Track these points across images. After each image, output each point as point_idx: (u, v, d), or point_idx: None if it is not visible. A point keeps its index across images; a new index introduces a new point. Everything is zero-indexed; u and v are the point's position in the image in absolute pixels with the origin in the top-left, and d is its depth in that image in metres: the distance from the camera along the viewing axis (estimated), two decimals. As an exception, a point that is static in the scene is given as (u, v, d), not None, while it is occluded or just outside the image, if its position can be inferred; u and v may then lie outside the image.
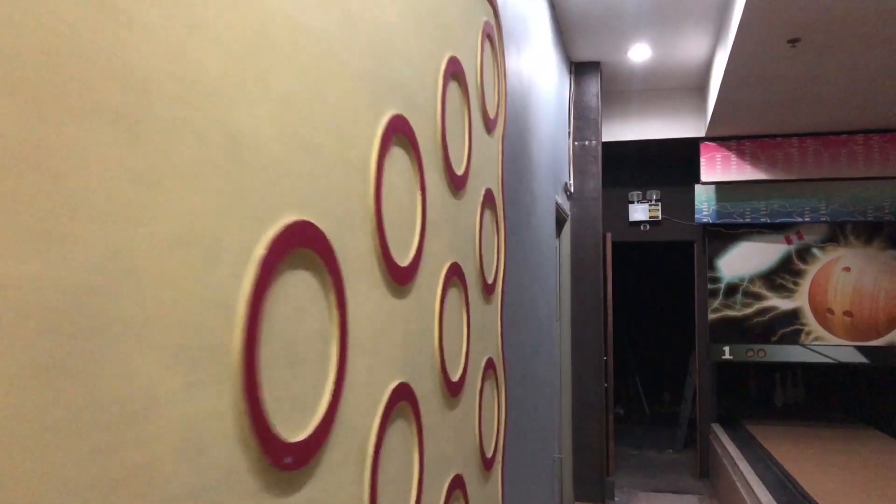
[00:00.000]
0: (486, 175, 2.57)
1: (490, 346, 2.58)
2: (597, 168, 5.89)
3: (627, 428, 9.99)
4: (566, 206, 5.59)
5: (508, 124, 3.10)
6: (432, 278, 1.88)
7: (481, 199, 2.46)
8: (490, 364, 2.55)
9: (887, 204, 6.54)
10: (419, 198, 1.77)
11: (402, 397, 1.59)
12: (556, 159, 4.97)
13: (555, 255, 5.53)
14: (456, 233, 2.13)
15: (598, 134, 5.95)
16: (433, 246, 1.89)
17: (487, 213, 2.56)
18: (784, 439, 6.49)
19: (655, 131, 6.71)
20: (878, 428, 7.09)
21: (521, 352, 3.35)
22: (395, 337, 1.58)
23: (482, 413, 2.38)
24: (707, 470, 7.21)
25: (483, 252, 2.46)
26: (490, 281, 2.58)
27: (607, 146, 6.82)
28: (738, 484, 5.59)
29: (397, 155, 1.63)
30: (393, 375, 1.57)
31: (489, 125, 2.62)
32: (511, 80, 3.21)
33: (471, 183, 2.31)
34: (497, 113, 2.78)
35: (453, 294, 2.09)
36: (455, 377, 2.07)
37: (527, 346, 3.50)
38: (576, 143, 5.88)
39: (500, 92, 2.84)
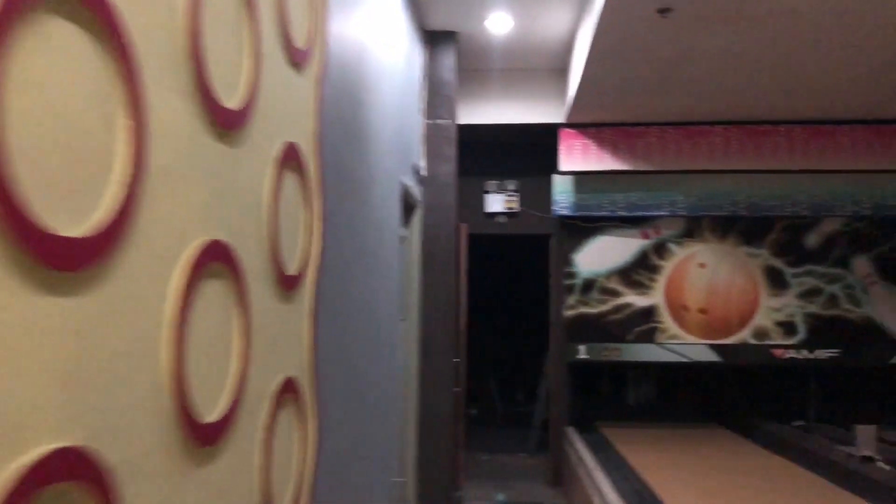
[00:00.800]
0: (288, 124, 1.83)
1: (289, 361, 1.85)
2: (451, 150, 5.29)
3: (480, 430, 9.56)
4: (417, 190, 4.95)
5: (332, 71, 2.38)
6: (158, 262, 1.13)
7: (277, 154, 1.72)
8: (289, 387, 1.82)
9: (741, 198, 6.40)
10: (125, 118, 1.01)
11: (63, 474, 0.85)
12: (404, 136, 4.31)
13: (402, 245, 4.87)
14: (221, 196, 1.39)
15: (454, 113, 5.35)
16: (164, 209, 1.15)
17: (289, 178, 1.82)
18: (638, 442, 6.20)
19: (515, 115, 6.22)
20: (726, 426, 6.99)
21: (349, 364, 2.64)
22: (56, 362, 0.83)
23: (270, 457, 1.65)
24: (560, 477, 6.83)
25: (278, 231, 1.72)
26: (292, 272, 1.85)
27: (464, 130, 6.24)
28: (593, 495, 5.18)
29: (58, 31, 0.87)
30: (44, 435, 0.81)
31: (294, 56, 1.88)
32: (337, 22, 2.48)
33: (255, 126, 1.57)
34: (311, 47, 2.05)
35: (211, 289, 1.34)
36: (212, 416, 1.33)
37: (357, 355, 2.80)
38: (429, 121, 5.24)
39: (316, 22, 2.10)
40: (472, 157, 6.80)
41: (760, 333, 6.52)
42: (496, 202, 6.82)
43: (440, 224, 5.19)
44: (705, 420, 7.39)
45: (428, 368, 5.14)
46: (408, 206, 4.78)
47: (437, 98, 5.25)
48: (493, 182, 6.83)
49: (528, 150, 6.81)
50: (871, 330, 6.47)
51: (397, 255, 4.05)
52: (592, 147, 6.24)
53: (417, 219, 5.11)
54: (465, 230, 5.91)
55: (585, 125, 6.22)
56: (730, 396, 8.27)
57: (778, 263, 6.57)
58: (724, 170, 6.21)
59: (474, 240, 6.94)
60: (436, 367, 5.16)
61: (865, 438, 5.09)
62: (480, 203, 6.84)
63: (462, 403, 5.93)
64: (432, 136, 5.24)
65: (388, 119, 3.77)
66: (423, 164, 5.15)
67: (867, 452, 5.05)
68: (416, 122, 4.93)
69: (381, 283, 3.52)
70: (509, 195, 6.82)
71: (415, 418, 5.02)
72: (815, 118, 6.02)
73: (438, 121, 5.24)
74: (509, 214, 6.84)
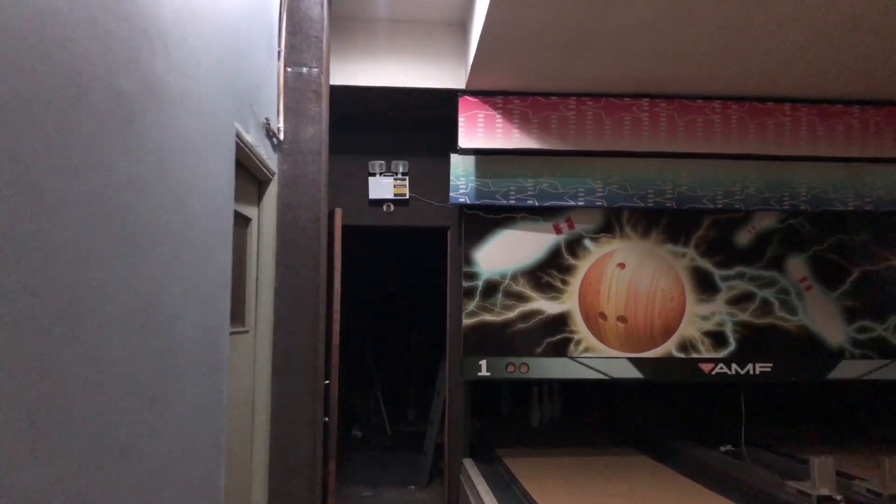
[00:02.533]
0: None
1: None
2: (320, 109, 4.05)
3: (365, 456, 8.29)
4: (271, 159, 3.69)
5: None
6: None
7: None
8: None
9: (669, 187, 5.48)
10: None
11: None
12: (242, 79, 3.06)
13: (244, 229, 3.59)
14: None
15: (323, 62, 4.11)
16: None
17: None
18: (544, 473, 5.16)
19: (405, 77, 5.05)
20: (642, 451, 6.05)
21: (80, 410, 1.37)
22: None
23: None
24: (456, 519, 5.69)
25: None
26: None
27: (340, 93, 5.02)
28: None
29: None
30: None
31: None
32: None
33: None
34: None
35: None
36: None
37: (115, 393, 1.53)
38: (289, 69, 3.99)
39: None
40: (353, 130, 5.59)
41: (687, 345, 5.62)
42: (382, 187, 5.62)
43: (303, 204, 3.94)
44: (618, 444, 6.45)
45: (283, 395, 3.86)
46: (249, 175, 3.52)
47: (300, 39, 4.00)
48: (379, 162, 5.63)
49: (421, 124, 5.67)
50: (806, 340, 5.69)
51: (224, 241, 2.77)
52: (498, 120, 5.15)
53: (271, 196, 3.84)
54: (339, 216, 4.68)
55: (490, 93, 5.13)
56: (647, 416, 7.41)
57: (706, 264, 5.69)
58: (650, 152, 5.26)
59: (357, 232, 5.72)
60: (295, 392, 3.89)
61: (823, 473, 4.20)
62: (363, 187, 5.62)
63: (334, 437, 4.68)
64: (293, 89, 3.99)
65: (212, 45, 2.52)
66: (279, 124, 3.88)
67: (826, 491, 4.17)
68: (266, 66, 3.67)
69: (189, 281, 2.25)
70: (398, 179, 5.63)
71: (264, 466, 3.73)
72: (755, 94, 5.16)
73: (302, 69, 3.99)
74: (398, 202, 5.65)
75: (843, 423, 6.98)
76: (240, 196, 3.37)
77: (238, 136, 2.95)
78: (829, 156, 5.30)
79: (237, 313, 3.49)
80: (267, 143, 3.67)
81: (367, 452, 8.43)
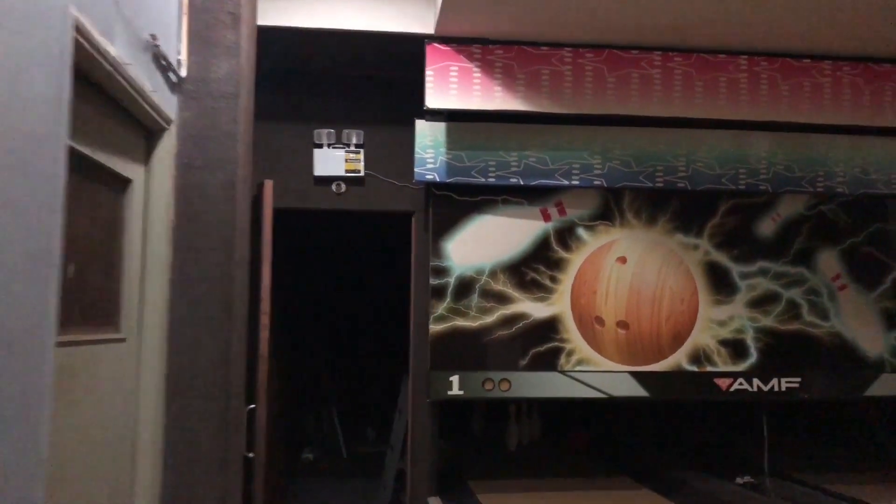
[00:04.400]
0: None
1: None
2: (238, 38, 2.98)
3: (314, 484, 7.17)
4: (167, 101, 2.61)
5: None
6: None
7: None
8: None
9: (682, 163, 4.50)
10: None
11: None
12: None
13: (106, 191, 2.51)
14: None
15: (244, -23, 3.04)
16: None
17: None
18: None
19: (358, 18, 4.00)
20: (641, 481, 5.06)
21: None
22: None
23: None
24: (421, 572, 4.63)
25: None
26: None
27: (276, 39, 3.96)
28: None
29: None
30: None
31: None
32: None
33: None
34: None
35: None
36: None
37: None
38: (194, -19, 2.91)
39: None
40: (295, 90, 4.53)
41: (700, 356, 4.64)
42: (331, 161, 4.55)
43: (213, 165, 2.87)
44: (612, 472, 5.45)
45: (182, 429, 2.77)
46: (125, 117, 2.43)
47: (210, -60, 2.93)
48: (327, 131, 4.56)
49: (379, 85, 4.62)
50: (840, 350, 4.76)
51: (45, 196, 1.69)
52: (475, 75, 4.13)
53: (166, 151, 2.75)
54: (269, 189, 3.60)
55: (465, 40, 4.11)
56: (646, 439, 6.42)
57: (723, 259, 4.73)
58: (661, 118, 4.28)
59: (301, 217, 4.65)
60: (199, 424, 2.80)
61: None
62: (307, 162, 4.55)
63: (260, 478, 3.59)
64: (201, 10, 2.92)
65: None
66: (180, 55, 2.80)
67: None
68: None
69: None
70: (351, 151, 4.57)
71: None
72: (789, 49, 4.22)
73: (212, -19, 2.92)
74: (351, 180, 4.59)
75: (861, 443, 6.09)
76: (106, 143, 2.29)
77: (81, 32, 1.86)
78: (875, 125, 4.37)
79: (102, 313, 2.40)
80: (157, 76, 2.59)
81: (318, 479, 7.32)
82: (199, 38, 2.91)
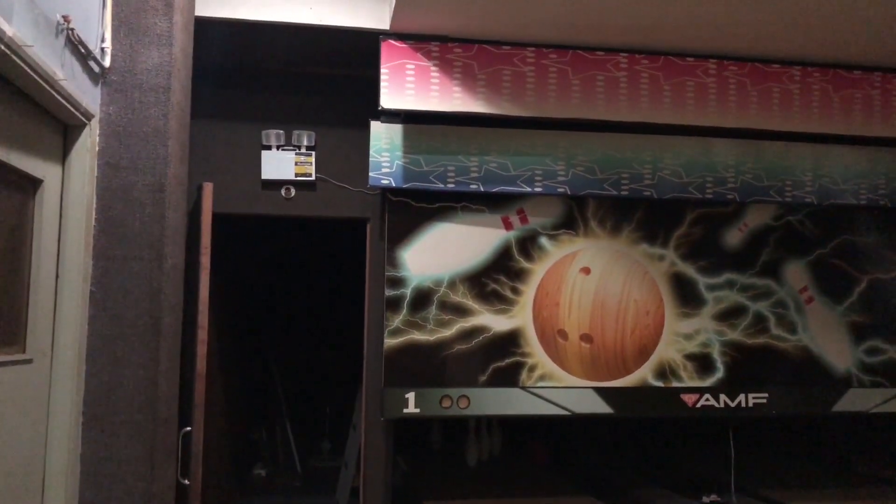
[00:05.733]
0: None
1: None
2: (171, 26, 2.71)
3: (267, 500, 6.83)
4: (87, 93, 2.33)
5: None
6: None
7: None
8: None
9: (649, 170, 4.33)
10: None
11: None
12: None
13: (7, 191, 2.22)
14: None
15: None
16: None
17: None
18: None
19: (309, 11, 3.76)
20: (604, 499, 4.87)
21: None
22: None
23: None
24: None
25: None
26: None
27: (221, 33, 3.69)
28: None
29: None
30: None
31: None
32: None
33: None
34: None
35: None
36: None
37: None
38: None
39: None
40: (241, 88, 4.26)
41: (666, 371, 4.47)
42: (280, 164, 4.28)
43: (140, 166, 2.59)
44: (574, 491, 5.24)
45: (102, 460, 2.48)
46: (36, 109, 2.15)
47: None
48: (276, 132, 4.29)
49: (332, 82, 4.37)
50: (807, 365, 4.63)
51: None
52: (433, 74, 3.90)
53: (85, 149, 2.47)
54: (209, 193, 3.33)
55: (423, 37, 3.89)
56: (610, 456, 6.24)
57: (689, 270, 4.57)
58: (627, 123, 4.11)
59: (248, 223, 4.37)
60: (122, 453, 2.51)
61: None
62: (254, 164, 4.27)
63: (196, 506, 3.30)
64: (129, -5, 2.64)
65: None
66: (104, 42, 2.52)
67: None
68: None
69: None
70: (302, 154, 4.31)
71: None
72: (757, 54, 4.08)
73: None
74: (302, 184, 4.32)
75: (824, 459, 5.99)
76: (7, 137, 2.01)
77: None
78: (844, 134, 4.26)
79: (4, 330, 2.11)
80: (73, 63, 2.31)
81: (270, 497, 6.98)
82: (127, 25, 2.64)
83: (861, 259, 4.73)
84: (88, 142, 2.47)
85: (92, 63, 2.45)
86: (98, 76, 2.53)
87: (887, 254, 4.76)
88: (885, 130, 4.32)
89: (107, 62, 2.55)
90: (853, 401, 4.63)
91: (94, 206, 2.52)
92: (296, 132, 4.31)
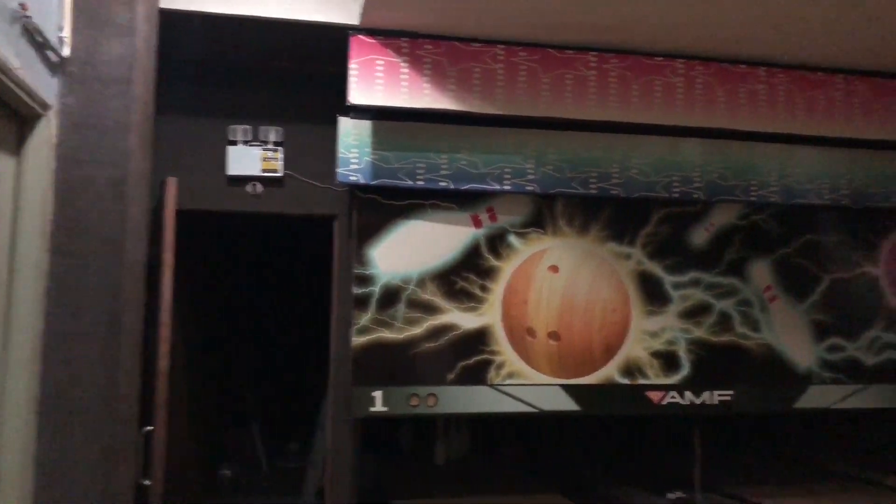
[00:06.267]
0: None
1: None
2: (133, 16, 2.66)
3: (233, 500, 6.75)
4: (45, 85, 2.27)
5: None
6: None
7: None
8: None
9: (617, 169, 4.36)
10: None
11: None
12: None
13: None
14: None
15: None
16: None
17: None
18: None
19: (276, 6, 3.71)
20: (570, 496, 4.89)
21: None
22: None
23: None
24: None
25: None
26: None
27: (179, 20, 3.62)
28: None
29: None
30: None
31: None
32: None
33: None
34: None
35: None
36: None
37: None
38: (82, -50, 2.57)
39: None
40: (207, 83, 4.20)
41: (632, 369, 4.50)
42: (247, 160, 4.22)
43: (100, 159, 2.53)
44: (542, 489, 5.26)
45: (58, 460, 2.42)
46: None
47: None
48: (243, 127, 4.23)
49: (300, 78, 4.32)
50: (770, 362, 4.70)
51: None
52: (403, 70, 3.88)
53: (42, 141, 2.40)
54: (173, 188, 3.27)
55: (392, 32, 3.87)
56: (578, 453, 6.26)
57: (655, 269, 4.60)
58: (596, 122, 4.13)
59: (219, 219, 4.31)
60: (79, 453, 2.45)
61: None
62: (220, 159, 4.20)
63: (158, 507, 3.23)
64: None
65: None
66: (63, 32, 2.45)
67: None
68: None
69: None
70: (269, 150, 4.25)
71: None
72: (724, 54, 4.13)
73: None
74: (269, 180, 4.27)
75: (787, 455, 6.09)
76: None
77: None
78: (808, 134, 4.33)
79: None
80: (29, 52, 2.24)
81: (236, 497, 6.90)
82: (86, 14, 2.58)
83: (823, 258, 4.81)
84: (45, 133, 2.41)
85: (50, 53, 2.38)
86: (56, 66, 2.46)
87: (848, 253, 4.85)
88: (846, 131, 4.40)
89: (66, 52, 2.48)
90: (814, 398, 4.71)
91: (52, 199, 2.45)
92: (263, 127, 4.26)
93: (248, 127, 4.23)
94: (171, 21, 3.54)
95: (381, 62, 3.85)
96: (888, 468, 5.35)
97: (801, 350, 4.74)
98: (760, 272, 4.73)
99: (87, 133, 2.52)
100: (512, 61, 3.98)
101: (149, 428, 3.11)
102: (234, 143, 4.21)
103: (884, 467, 5.39)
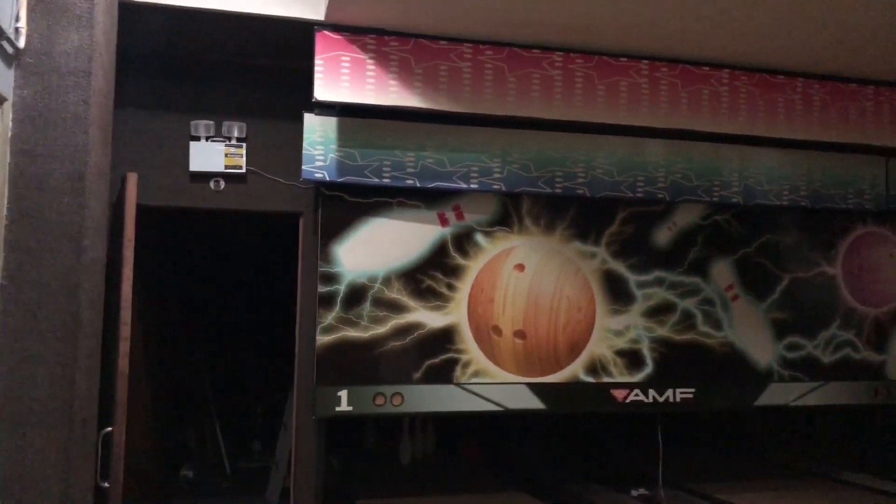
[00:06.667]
0: None
1: None
2: (91, 6, 2.58)
3: (195, 502, 6.63)
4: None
5: None
6: None
7: None
8: None
9: (582, 169, 4.38)
10: None
11: None
12: None
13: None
14: None
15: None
16: None
17: None
18: None
19: (240, 0, 3.65)
20: (535, 494, 4.91)
21: None
22: None
23: None
24: None
25: None
26: None
27: (140, 12, 3.56)
28: None
29: None
30: None
31: None
32: None
33: None
34: None
35: None
36: None
37: None
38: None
39: None
40: (170, 77, 4.12)
41: (597, 367, 4.54)
42: (209, 156, 4.16)
43: (57, 154, 2.47)
44: (507, 486, 5.27)
45: (11, 464, 2.34)
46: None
47: None
48: (206, 123, 4.17)
49: (264, 73, 4.27)
50: (732, 361, 4.77)
51: None
52: (369, 67, 3.86)
53: (-4, 135, 2.33)
54: (133, 183, 3.20)
55: (358, 29, 3.85)
56: (542, 452, 6.29)
57: (619, 268, 4.64)
58: (562, 122, 4.15)
59: (180, 216, 4.24)
60: (34, 458, 2.38)
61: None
62: (182, 155, 4.13)
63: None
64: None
65: None
66: (17, 22, 2.38)
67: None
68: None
69: None
70: (232, 146, 4.19)
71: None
72: (688, 56, 4.18)
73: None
74: (231, 177, 4.21)
75: (747, 451, 6.20)
76: None
77: None
78: (769, 136, 4.41)
79: None
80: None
81: (198, 499, 6.78)
82: (43, 4, 2.51)
83: (783, 258, 4.91)
84: (0, 126, 2.34)
85: (4, 43, 2.31)
86: (12, 58, 2.39)
87: (807, 253, 4.95)
88: (805, 134, 4.49)
89: (21, 43, 2.41)
90: (774, 395, 4.80)
91: (7, 194, 2.38)
92: (226, 123, 4.19)
93: (210, 122, 4.17)
94: (132, 12, 3.47)
95: (347, 58, 3.82)
96: (843, 463, 5.48)
97: (761, 348, 4.82)
98: (722, 271, 4.80)
99: (43, 126, 2.45)
100: (479, 60, 3.99)
101: (108, 429, 3.04)
102: (196, 138, 4.15)
103: (839, 462, 5.52)
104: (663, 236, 4.73)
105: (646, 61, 4.18)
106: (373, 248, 4.25)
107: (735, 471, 5.57)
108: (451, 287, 4.34)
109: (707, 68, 4.27)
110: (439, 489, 5.19)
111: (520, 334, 4.46)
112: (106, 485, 3.04)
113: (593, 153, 4.40)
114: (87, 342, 2.60)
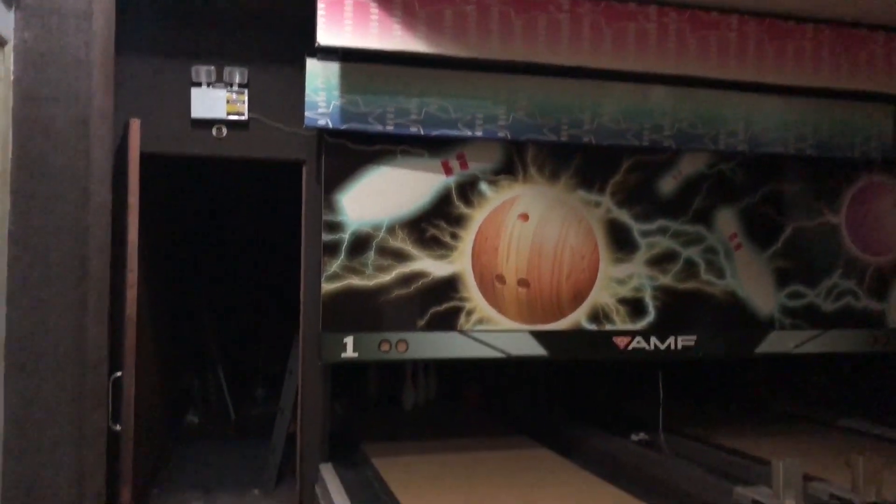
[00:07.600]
0: None
1: None
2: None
3: (199, 449, 6.75)
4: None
5: None
6: None
7: None
8: None
9: (588, 116, 4.34)
10: None
11: None
12: None
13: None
14: None
15: None
16: None
17: None
18: (421, 474, 4.16)
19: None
20: (538, 439, 5.00)
21: None
22: None
23: None
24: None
25: None
26: None
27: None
28: None
29: None
30: None
31: None
32: None
33: None
34: None
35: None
36: None
37: None
38: None
39: None
40: (170, 21, 4.05)
41: (599, 315, 4.57)
42: (211, 102, 4.11)
43: (61, 97, 2.43)
44: (508, 431, 5.36)
45: (27, 406, 2.38)
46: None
47: None
48: (207, 68, 4.11)
49: (266, 17, 4.19)
50: (734, 309, 4.81)
51: None
52: (373, 10, 3.79)
53: (-2, 79, 2.29)
54: (136, 129, 3.17)
55: (363, -29, 3.76)
56: (541, 398, 6.38)
57: (623, 216, 4.64)
58: (569, 67, 4.09)
59: (179, 164, 4.21)
60: (49, 400, 2.41)
61: (789, 480, 3.25)
62: (183, 102, 4.08)
63: (128, 453, 3.22)
64: None
65: None
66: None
67: (791, 502, 3.23)
68: None
69: None
70: (234, 92, 4.14)
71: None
72: (696, 1, 4.11)
73: None
74: (234, 124, 4.16)
75: (746, 398, 6.29)
76: None
77: None
78: (777, 83, 4.35)
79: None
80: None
81: (203, 444, 6.90)
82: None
83: (787, 207, 4.90)
84: (1, 69, 2.30)
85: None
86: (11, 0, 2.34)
87: (811, 202, 4.94)
88: (814, 80, 4.43)
89: (19, -16, 2.36)
90: (775, 342, 4.84)
91: (11, 140, 2.35)
92: (227, 68, 4.14)
93: (211, 68, 4.11)
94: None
95: (351, 1, 3.75)
96: (840, 410, 5.57)
97: (763, 297, 4.85)
98: (726, 220, 4.80)
99: (46, 69, 2.41)
100: (484, 3, 3.91)
101: (118, 374, 3.07)
102: (197, 84, 4.09)
103: (836, 409, 5.60)
104: (668, 185, 4.71)
105: (654, 6, 4.10)
106: (377, 197, 4.23)
107: (734, 418, 5.65)
108: (454, 236, 4.34)
109: (716, 13, 4.20)
110: (441, 433, 5.29)
111: (523, 283, 4.48)
112: (118, 427, 3.09)
113: (599, 100, 4.35)
114: (96, 288, 2.61)
